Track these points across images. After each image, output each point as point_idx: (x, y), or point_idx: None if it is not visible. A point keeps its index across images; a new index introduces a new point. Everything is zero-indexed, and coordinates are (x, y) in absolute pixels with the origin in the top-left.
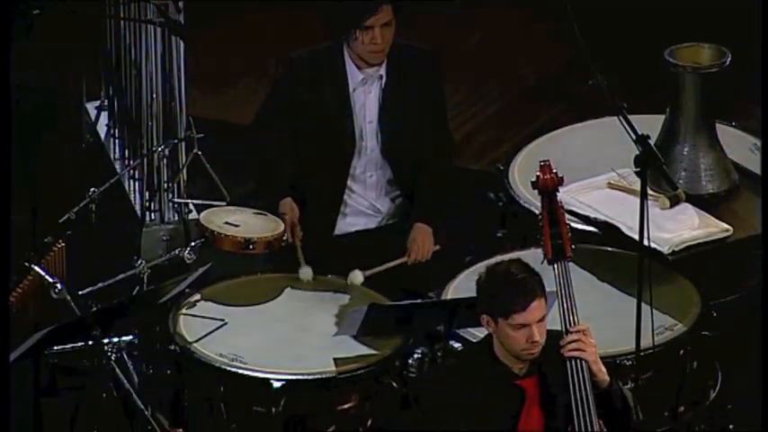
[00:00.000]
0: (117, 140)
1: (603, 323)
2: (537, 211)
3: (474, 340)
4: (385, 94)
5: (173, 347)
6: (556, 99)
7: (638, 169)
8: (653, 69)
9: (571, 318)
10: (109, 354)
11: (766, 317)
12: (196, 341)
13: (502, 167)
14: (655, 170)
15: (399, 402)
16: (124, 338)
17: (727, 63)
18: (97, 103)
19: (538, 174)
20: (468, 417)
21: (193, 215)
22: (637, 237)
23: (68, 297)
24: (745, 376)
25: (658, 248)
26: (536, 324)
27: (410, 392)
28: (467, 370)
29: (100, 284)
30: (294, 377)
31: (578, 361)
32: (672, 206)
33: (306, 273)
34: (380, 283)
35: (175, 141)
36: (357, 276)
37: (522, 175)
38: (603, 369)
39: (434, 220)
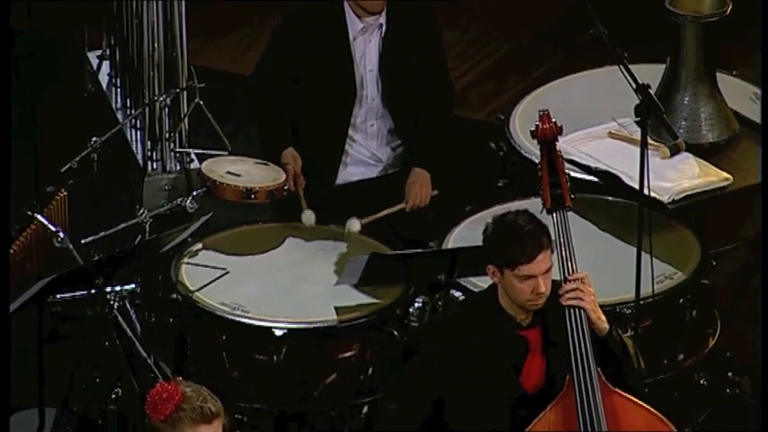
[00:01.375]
0: (119, 90)
1: (603, 272)
2: (537, 161)
3: (475, 290)
4: (385, 43)
5: (175, 296)
6: (556, 49)
7: (639, 119)
8: (654, 18)
9: (570, 266)
10: (111, 302)
11: (766, 265)
12: (198, 290)
13: (502, 117)
14: (655, 119)
15: (401, 351)
16: (126, 287)
17: (728, 12)
18: (99, 52)
19: (537, 123)
20: (471, 366)
21: (195, 165)
22: (637, 186)
23: (71, 246)
24: (745, 325)
25: (658, 197)
26: (542, 275)
27: (414, 341)
28: (472, 319)
29: (102, 233)
30: (295, 326)
31: (577, 309)
32: (672, 155)
33: (308, 217)
34: (381, 232)
35: (177, 91)
36: (354, 224)
37: (522, 124)
38: (603, 317)
39: (433, 166)
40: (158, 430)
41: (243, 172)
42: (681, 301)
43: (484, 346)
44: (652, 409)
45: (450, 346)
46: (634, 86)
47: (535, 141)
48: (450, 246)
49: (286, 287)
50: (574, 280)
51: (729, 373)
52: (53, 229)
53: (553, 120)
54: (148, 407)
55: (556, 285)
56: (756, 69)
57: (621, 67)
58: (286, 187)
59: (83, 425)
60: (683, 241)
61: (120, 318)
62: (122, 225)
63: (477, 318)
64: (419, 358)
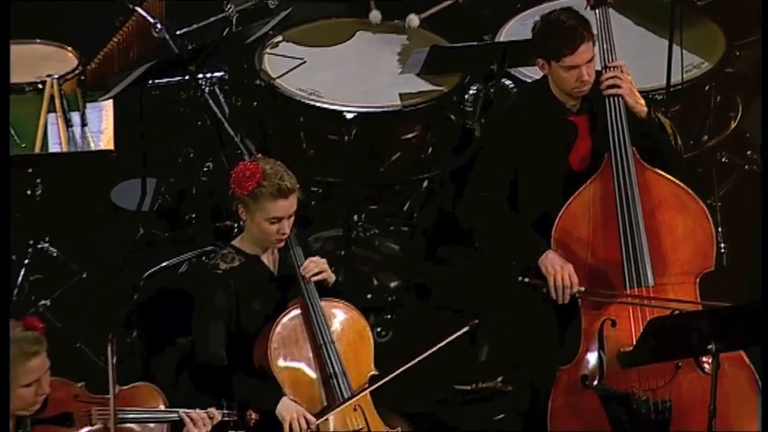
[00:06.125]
0: None
1: (639, 62)
2: None
3: (524, 78)
4: None
5: (258, 82)
6: None
7: None
8: None
9: (609, 57)
10: (203, 87)
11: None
12: (279, 77)
13: None
14: None
15: (458, 132)
16: (216, 74)
17: None
18: None
19: None
20: (528, 147)
21: None
22: None
23: (167, 36)
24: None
25: None
26: (585, 65)
27: (477, 128)
28: (527, 107)
29: (194, 26)
30: (365, 110)
31: (615, 97)
32: None
33: (375, 16)
34: (440, 26)
35: None
36: (413, 20)
37: None
38: (641, 101)
39: None
40: (241, 201)
41: None
42: (707, 87)
43: (538, 130)
44: (680, 183)
45: (509, 132)
46: None
47: None
48: (501, 39)
49: (356, 75)
50: (613, 68)
51: (748, 152)
52: (151, 20)
53: None
54: (233, 182)
55: (599, 75)
56: None
57: None
58: None
59: (178, 193)
60: (710, 34)
61: (210, 101)
62: (212, 18)
63: (531, 105)
64: (487, 148)
